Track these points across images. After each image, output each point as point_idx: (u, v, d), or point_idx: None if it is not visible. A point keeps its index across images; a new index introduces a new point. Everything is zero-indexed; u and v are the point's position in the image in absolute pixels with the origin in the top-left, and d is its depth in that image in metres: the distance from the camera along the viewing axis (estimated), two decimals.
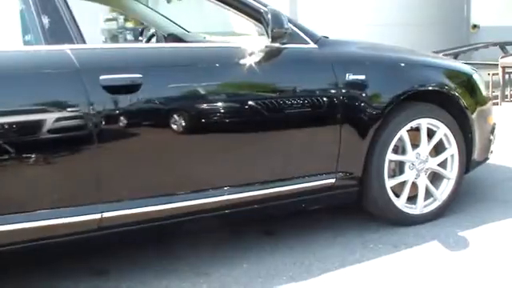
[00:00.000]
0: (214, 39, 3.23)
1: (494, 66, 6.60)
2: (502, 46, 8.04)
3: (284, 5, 7.89)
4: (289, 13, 7.62)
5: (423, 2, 9.70)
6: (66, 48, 2.06)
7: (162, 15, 3.58)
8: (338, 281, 2.25)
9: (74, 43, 2.08)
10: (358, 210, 2.79)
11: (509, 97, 6.61)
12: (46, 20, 2.06)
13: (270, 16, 2.28)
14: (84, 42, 2.12)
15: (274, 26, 2.29)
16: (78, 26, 2.11)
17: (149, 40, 3.58)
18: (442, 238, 2.61)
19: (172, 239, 2.56)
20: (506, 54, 7.42)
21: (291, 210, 2.62)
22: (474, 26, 10.51)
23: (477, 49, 8.20)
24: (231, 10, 2.48)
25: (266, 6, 2.44)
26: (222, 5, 2.46)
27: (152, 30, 3.65)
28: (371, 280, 2.26)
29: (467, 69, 3.07)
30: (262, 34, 2.47)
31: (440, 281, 2.22)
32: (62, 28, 2.08)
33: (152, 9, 3.52)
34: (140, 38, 3.95)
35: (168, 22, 3.56)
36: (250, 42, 2.47)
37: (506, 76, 6.55)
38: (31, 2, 2.06)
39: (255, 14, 2.46)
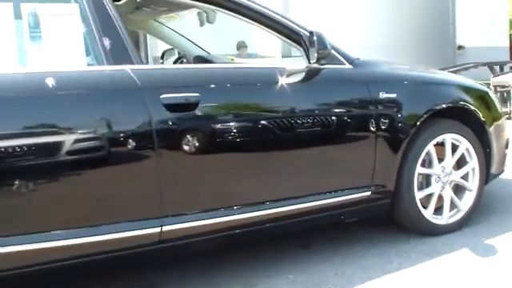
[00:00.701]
0: (240, 61, 3.38)
1: (486, 86, 6.86)
2: (491, 65, 8.38)
3: None
4: None
5: (411, 24, 10.05)
6: (127, 68, 2.17)
7: (186, 38, 3.71)
8: (387, 284, 2.37)
9: (133, 63, 2.19)
10: (385, 222, 2.93)
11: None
12: (107, 42, 2.17)
13: (315, 38, 2.43)
14: (142, 62, 2.23)
15: (320, 48, 2.44)
16: (135, 47, 2.23)
17: (176, 62, 3.70)
18: (471, 246, 2.75)
19: (218, 252, 2.65)
20: (494, 73, 7.75)
21: (331, 222, 2.74)
22: (460, 47, 10.90)
23: (467, 69, 8.52)
24: (272, 32, 2.62)
25: (305, 29, 2.59)
26: (264, 27, 2.60)
27: (175, 52, 3.77)
28: (414, 286, 2.38)
29: (483, 86, 3.26)
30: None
31: (477, 285, 2.35)
32: (121, 49, 2.19)
33: (176, 31, 3.64)
34: (161, 61, 4.07)
35: (190, 44, 3.70)
36: (292, 64, 2.60)
37: (498, 94, 6.82)
38: (93, 25, 2.17)
39: (295, 37, 2.61)
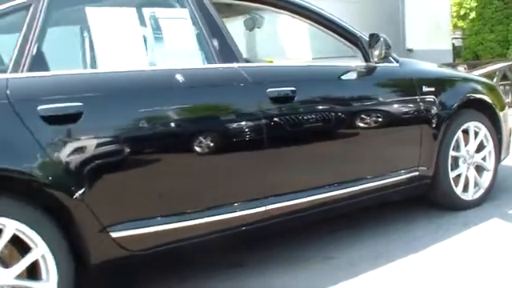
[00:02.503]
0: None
1: None
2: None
3: None
4: None
5: (363, 29, 10.68)
6: (236, 65, 2.46)
7: None
8: (443, 251, 2.78)
9: (238, 62, 2.48)
10: (405, 205, 3.35)
11: None
12: (215, 42, 2.45)
13: (381, 39, 2.82)
14: (243, 60, 2.52)
15: (386, 47, 2.83)
16: (237, 47, 2.52)
17: None
18: (499, 215, 3.23)
19: (293, 232, 2.97)
20: None
21: (384, 200, 3.12)
22: (409, 50, 11.71)
23: None
24: (332, 34, 2.97)
25: (361, 32, 2.98)
26: (327, 30, 2.95)
27: None
28: (466, 247, 2.81)
29: (491, 81, 3.79)
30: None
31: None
32: (228, 49, 2.48)
33: None
34: None
35: None
36: (354, 63, 2.97)
37: None
38: (202, 28, 2.44)
39: (352, 38, 2.99)
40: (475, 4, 13.13)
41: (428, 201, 3.37)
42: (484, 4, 12.81)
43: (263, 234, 2.65)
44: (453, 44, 12.43)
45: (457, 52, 13.29)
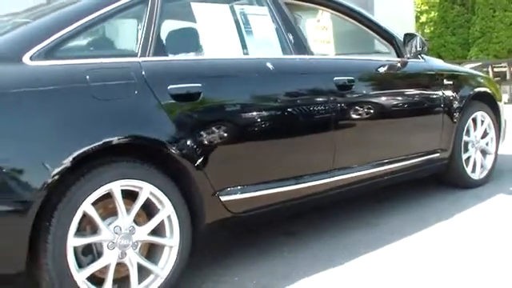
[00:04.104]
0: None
1: None
2: None
3: None
4: None
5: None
6: (307, 57, 2.86)
7: None
8: (462, 219, 3.26)
9: (308, 54, 2.88)
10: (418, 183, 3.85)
11: None
12: (290, 36, 2.84)
13: (418, 38, 3.30)
14: (312, 53, 2.92)
15: (422, 45, 3.30)
16: (307, 41, 2.92)
17: None
18: (504, 192, 3.77)
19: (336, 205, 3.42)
20: None
21: (414, 177, 3.59)
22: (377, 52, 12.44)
23: None
24: (371, 33, 3.42)
25: (394, 31, 3.45)
26: (367, 30, 3.39)
27: None
28: (481, 216, 3.31)
29: (490, 77, 4.35)
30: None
31: None
32: (300, 42, 2.87)
33: None
34: None
35: None
36: (388, 58, 3.43)
37: None
38: (280, 24, 2.83)
39: (387, 36, 3.45)
40: (436, 13, 14.07)
41: (443, 180, 3.88)
42: (446, 9, 13.67)
43: (326, 202, 3.06)
44: None
45: None
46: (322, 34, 3.95)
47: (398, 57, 3.44)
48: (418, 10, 15.22)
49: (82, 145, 2.03)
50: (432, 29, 14.79)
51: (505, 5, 12.56)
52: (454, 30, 13.33)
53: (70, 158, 1.99)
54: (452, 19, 13.42)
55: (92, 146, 2.04)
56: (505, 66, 10.69)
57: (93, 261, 2.13)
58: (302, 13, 3.66)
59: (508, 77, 10.52)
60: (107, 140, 2.09)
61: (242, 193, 2.51)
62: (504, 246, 2.80)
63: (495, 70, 10.70)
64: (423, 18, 17.09)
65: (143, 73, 2.26)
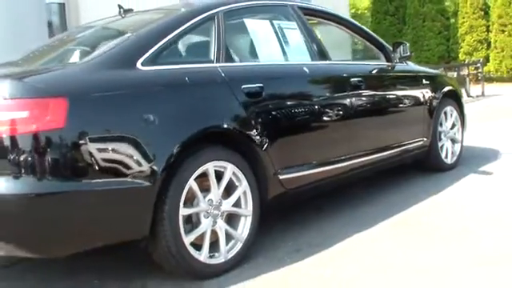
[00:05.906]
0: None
1: None
2: None
3: None
4: None
5: None
6: (328, 62, 3.48)
7: None
8: (445, 193, 3.99)
9: (329, 60, 3.50)
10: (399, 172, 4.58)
11: None
12: (315, 46, 3.45)
13: (407, 45, 4.01)
14: (330, 58, 3.54)
15: (406, 51, 4.02)
16: (327, 49, 3.54)
17: None
18: (473, 172, 4.55)
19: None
20: None
21: (401, 163, 4.28)
22: None
23: None
24: (366, 41, 4.11)
25: (383, 40, 4.15)
26: (363, 39, 4.07)
27: None
28: (460, 190, 4.05)
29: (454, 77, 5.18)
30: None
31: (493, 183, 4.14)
32: (321, 51, 3.49)
33: None
34: None
35: None
36: (380, 62, 4.13)
37: None
38: (306, 35, 3.43)
39: (378, 44, 4.15)
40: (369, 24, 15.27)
41: (424, 165, 4.60)
42: (379, 20, 14.86)
43: (347, 181, 3.69)
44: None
45: None
46: None
47: (388, 61, 4.15)
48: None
49: (190, 132, 2.53)
50: None
51: (433, 15, 13.89)
52: (387, 40, 14.50)
53: (182, 143, 2.48)
54: (385, 29, 14.63)
55: (196, 132, 2.55)
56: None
57: (191, 230, 2.62)
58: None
59: None
60: (207, 127, 2.62)
61: (294, 172, 3.07)
62: (478, 209, 3.55)
63: None
64: None
65: (223, 75, 2.79)
